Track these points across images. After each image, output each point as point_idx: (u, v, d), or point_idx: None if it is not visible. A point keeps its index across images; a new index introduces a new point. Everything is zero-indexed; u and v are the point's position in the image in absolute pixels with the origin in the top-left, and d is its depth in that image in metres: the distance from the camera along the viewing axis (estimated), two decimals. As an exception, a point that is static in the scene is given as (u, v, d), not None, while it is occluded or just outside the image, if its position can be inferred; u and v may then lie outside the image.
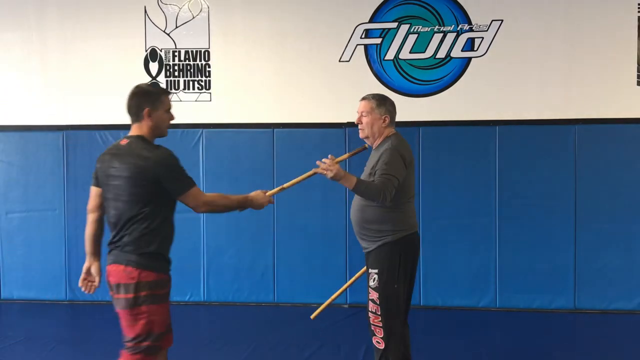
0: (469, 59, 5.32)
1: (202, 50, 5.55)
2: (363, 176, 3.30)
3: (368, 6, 5.37)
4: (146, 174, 2.70)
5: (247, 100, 5.52)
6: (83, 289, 3.02)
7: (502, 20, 5.27)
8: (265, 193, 3.09)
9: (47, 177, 5.66)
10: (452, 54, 5.33)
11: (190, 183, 2.77)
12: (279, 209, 5.44)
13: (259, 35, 5.50)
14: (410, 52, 5.36)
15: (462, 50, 5.31)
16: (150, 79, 5.57)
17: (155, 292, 2.78)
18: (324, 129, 5.44)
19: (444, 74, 5.34)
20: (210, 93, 5.55)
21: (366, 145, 3.46)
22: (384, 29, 5.37)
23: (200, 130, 5.50)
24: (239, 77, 5.52)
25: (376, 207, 3.16)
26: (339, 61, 5.41)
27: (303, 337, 4.61)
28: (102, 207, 2.96)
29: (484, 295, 5.34)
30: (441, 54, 5.34)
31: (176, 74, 5.58)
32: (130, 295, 2.76)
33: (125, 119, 5.80)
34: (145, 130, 2.83)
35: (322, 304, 5.56)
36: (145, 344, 2.77)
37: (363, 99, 3.35)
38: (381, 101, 3.30)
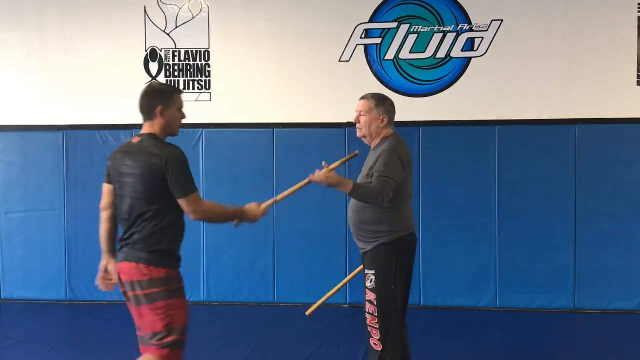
0: (469, 59, 5.32)
1: (202, 50, 5.55)
2: (361, 176, 3.29)
3: (368, 6, 5.37)
4: (156, 172, 2.73)
5: (247, 100, 5.52)
6: (101, 287, 3.01)
7: (502, 20, 5.27)
8: (259, 206, 3.08)
9: (47, 177, 5.66)
10: (452, 54, 5.33)
11: (192, 188, 2.76)
12: (279, 209, 5.43)
13: (259, 35, 5.50)
14: (410, 52, 5.36)
15: (462, 50, 5.31)
16: (150, 79, 5.57)
17: (170, 287, 2.79)
18: (324, 129, 5.44)
19: (444, 74, 5.34)
20: (210, 93, 5.55)
21: (357, 152, 3.43)
22: (384, 29, 5.37)
23: (200, 130, 5.50)
24: (239, 77, 5.52)
25: (373, 208, 3.16)
26: (339, 61, 5.41)
27: (303, 337, 4.61)
28: (114, 205, 2.95)
29: (484, 295, 5.34)
30: (441, 54, 5.34)
31: (176, 74, 5.58)
32: (146, 292, 2.76)
33: (125, 119, 5.84)
34: (157, 129, 2.87)
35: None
36: (170, 339, 2.78)
37: (362, 98, 3.34)
38: (380, 101, 3.28)
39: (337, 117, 5.37)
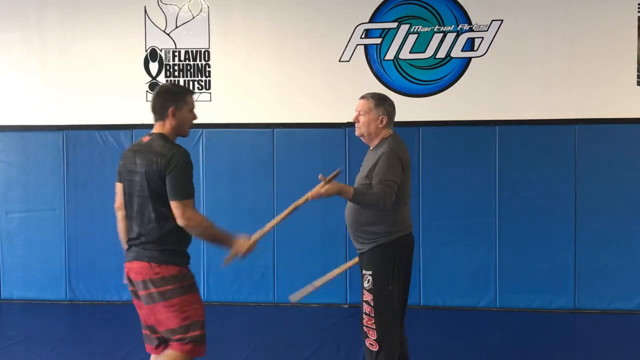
0: (469, 59, 5.32)
1: (202, 50, 5.55)
2: (359, 176, 3.26)
3: (368, 6, 5.37)
4: (159, 171, 2.75)
5: (247, 100, 5.52)
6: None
7: (502, 20, 5.27)
8: (248, 239, 3.00)
9: (47, 177, 5.66)
10: (452, 54, 5.33)
11: (186, 194, 2.75)
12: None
13: (259, 35, 5.50)
14: (410, 52, 5.36)
15: (462, 50, 5.31)
16: (150, 79, 5.57)
17: (183, 283, 2.82)
18: (324, 129, 5.44)
19: (444, 74, 5.34)
20: (210, 93, 5.55)
21: (339, 170, 3.37)
22: (384, 29, 5.37)
23: (200, 130, 5.50)
24: (239, 77, 5.52)
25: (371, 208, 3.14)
26: (339, 61, 5.41)
27: (303, 337, 4.61)
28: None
29: (484, 295, 5.34)
30: (441, 54, 5.33)
31: (176, 74, 5.58)
32: (160, 289, 2.78)
33: (125, 119, 5.85)
34: (168, 129, 2.89)
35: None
36: (191, 334, 2.81)
37: (362, 97, 3.31)
38: (380, 101, 3.25)
39: (337, 117, 5.37)
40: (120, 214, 3.00)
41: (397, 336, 3.22)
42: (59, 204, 5.64)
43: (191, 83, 5.55)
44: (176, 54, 5.57)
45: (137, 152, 2.85)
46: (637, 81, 5.20)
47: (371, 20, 5.38)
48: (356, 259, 3.43)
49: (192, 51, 5.56)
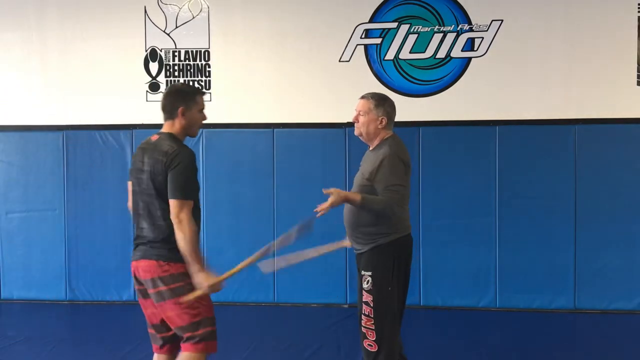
0: (469, 59, 5.32)
1: (202, 50, 5.55)
2: (359, 176, 3.25)
3: (368, 6, 5.37)
4: (163, 170, 2.75)
5: (247, 100, 5.52)
6: None
7: (502, 20, 5.27)
8: (216, 276, 2.84)
9: (47, 177, 5.66)
10: (452, 54, 5.33)
11: (185, 194, 2.74)
12: (279, 209, 5.44)
13: (259, 35, 5.50)
14: (410, 52, 5.36)
15: (462, 50, 5.31)
16: (150, 79, 5.57)
17: (192, 280, 2.81)
18: (324, 129, 5.44)
19: (444, 74, 5.34)
20: (210, 93, 5.55)
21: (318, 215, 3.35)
22: (384, 29, 5.37)
23: (201, 130, 5.46)
24: (239, 77, 5.52)
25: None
26: (339, 61, 5.41)
27: (303, 337, 4.61)
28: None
29: (484, 295, 5.34)
30: (441, 54, 5.33)
31: (176, 74, 5.58)
32: (170, 287, 2.78)
33: (125, 119, 5.84)
34: (177, 128, 2.90)
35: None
36: (201, 331, 2.82)
37: (362, 97, 3.30)
38: (380, 102, 3.23)
39: (337, 117, 5.37)
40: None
41: (396, 337, 3.22)
42: (59, 204, 5.64)
43: (191, 83, 5.54)
44: (176, 54, 5.57)
45: (145, 151, 2.87)
46: (637, 81, 5.20)
47: (371, 20, 5.38)
48: (338, 244, 3.41)
49: (192, 51, 5.56)
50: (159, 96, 5.57)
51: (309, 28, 5.44)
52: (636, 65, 5.20)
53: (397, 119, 3.37)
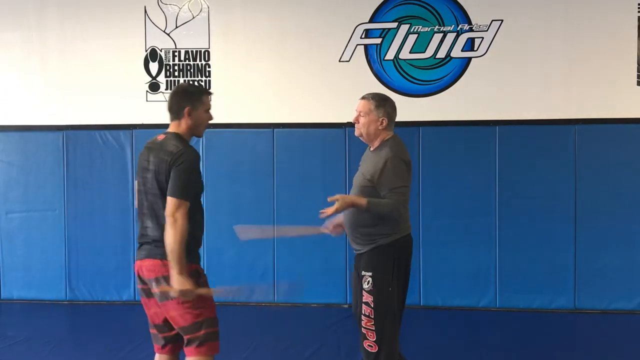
0: (469, 59, 5.32)
1: (202, 50, 5.55)
2: (359, 177, 3.24)
3: (368, 6, 5.37)
4: (167, 169, 2.75)
5: (247, 100, 5.52)
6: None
7: (502, 20, 5.27)
8: (190, 286, 2.74)
9: (47, 177, 5.66)
10: (452, 54, 5.32)
11: (184, 194, 2.72)
12: (279, 208, 5.44)
13: (259, 35, 5.50)
14: (410, 52, 5.36)
15: (462, 50, 5.31)
16: (150, 79, 5.57)
17: (197, 280, 2.82)
18: (324, 129, 5.44)
19: (444, 74, 5.34)
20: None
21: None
22: (384, 29, 5.37)
23: (201, 130, 5.49)
24: (239, 77, 5.52)
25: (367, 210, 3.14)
26: (339, 61, 5.41)
27: (303, 337, 4.61)
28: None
29: (484, 295, 5.34)
30: (441, 54, 5.33)
31: (176, 74, 5.58)
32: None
33: (125, 119, 5.84)
34: (184, 128, 2.90)
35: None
36: (203, 331, 2.81)
37: (363, 98, 3.28)
38: (380, 102, 3.22)
39: (337, 117, 5.37)
40: None
41: (397, 337, 3.22)
42: (59, 204, 5.64)
43: (191, 83, 5.54)
44: (176, 54, 5.57)
45: (151, 150, 2.87)
46: (637, 81, 5.20)
47: (371, 20, 5.38)
48: (316, 229, 3.44)
49: (192, 51, 5.56)
50: (159, 96, 5.57)
51: (309, 28, 5.44)
52: (636, 65, 5.20)
53: (397, 119, 3.36)
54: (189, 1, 5.54)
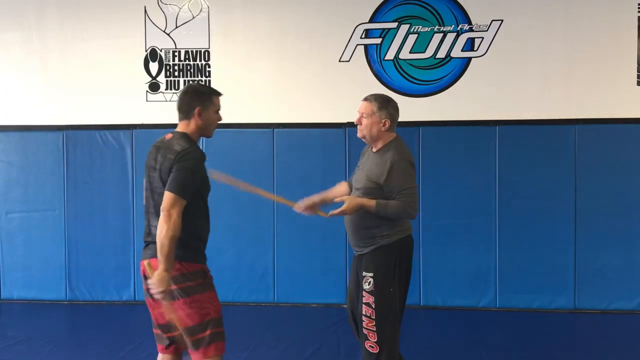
0: (469, 59, 5.32)
1: (202, 50, 5.55)
2: (362, 177, 3.24)
3: (368, 6, 5.37)
4: (171, 167, 2.74)
5: (247, 100, 5.51)
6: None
7: (502, 20, 5.27)
8: (168, 287, 2.71)
9: (47, 177, 5.66)
10: (452, 54, 5.33)
11: (181, 192, 2.70)
12: (279, 208, 5.44)
13: (259, 35, 5.50)
14: (410, 52, 5.36)
15: (462, 50, 5.31)
16: (150, 79, 5.57)
17: (204, 280, 2.82)
18: (324, 129, 5.44)
19: (444, 74, 5.34)
20: (210, 93, 5.54)
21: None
22: (384, 29, 5.37)
23: (200, 130, 5.49)
24: (239, 77, 5.52)
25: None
26: (339, 61, 5.41)
27: (303, 337, 4.61)
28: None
29: (484, 295, 5.34)
30: (441, 54, 5.33)
31: (176, 74, 5.58)
32: (181, 286, 2.77)
33: (125, 119, 5.84)
34: (193, 128, 2.89)
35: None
36: (208, 332, 2.80)
37: (365, 99, 3.27)
38: (383, 104, 3.21)
39: (337, 117, 5.37)
40: None
41: (397, 338, 3.22)
42: (59, 204, 5.64)
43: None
44: (176, 54, 5.57)
45: (159, 149, 2.86)
46: (637, 81, 5.20)
47: (371, 20, 5.38)
48: (288, 201, 3.48)
49: (192, 51, 5.56)
50: (159, 96, 5.58)
51: (309, 28, 5.44)
52: (636, 65, 5.20)
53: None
54: (189, 1, 5.54)
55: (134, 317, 5.14)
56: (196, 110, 2.87)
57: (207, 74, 5.55)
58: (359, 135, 3.29)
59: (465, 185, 5.33)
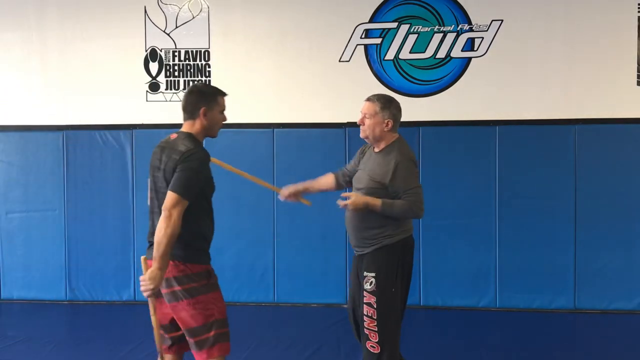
0: (469, 59, 5.32)
1: (202, 50, 5.55)
2: (365, 177, 3.24)
3: (368, 6, 5.37)
4: (175, 167, 2.74)
5: (247, 100, 5.51)
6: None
7: (502, 20, 5.27)
8: (158, 286, 2.68)
9: (47, 177, 5.66)
10: (452, 54, 5.33)
11: (184, 192, 2.69)
12: (279, 208, 5.44)
13: (259, 35, 5.50)
14: (410, 52, 5.36)
15: (462, 50, 5.31)
16: (150, 79, 5.57)
17: (209, 281, 2.82)
18: (324, 129, 5.44)
19: (444, 74, 5.34)
20: (210, 93, 5.54)
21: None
22: (384, 29, 5.37)
23: (200, 130, 5.49)
24: (239, 77, 5.52)
25: (374, 212, 3.12)
26: (339, 61, 5.41)
27: (303, 337, 4.61)
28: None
29: (484, 295, 5.34)
30: (441, 54, 5.34)
31: (176, 74, 5.58)
32: (185, 287, 2.76)
33: (125, 119, 5.84)
34: (198, 128, 2.90)
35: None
36: (213, 332, 2.79)
37: (368, 99, 3.28)
38: (386, 104, 3.22)
39: (337, 117, 5.37)
40: None
41: (398, 338, 3.22)
42: (59, 204, 5.64)
43: (191, 83, 5.54)
44: (176, 54, 5.57)
45: (164, 150, 2.86)
46: (637, 81, 5.20)
47: (371, 20, 5.38)
48: (273, 186, 3.52)
49: (192, 51, 5.56)
50: (159, 96, 5.58)
51: (309, 28, 5.44)
52: (636, 65, 5.20)
53: (396, 119, 3.37)
54: (189, 1, 5.54)
55: (134, 317, 5.14)
56: (201, 111, 2.88)
57: (207, 74, 5.55)
58: (361, 135, 3.29)
59: (465, 185, 5.33)
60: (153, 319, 2.79)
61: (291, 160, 5.44)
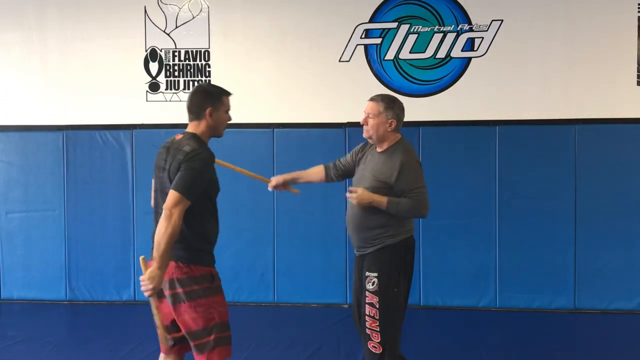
0: (469, 59, 5.32)
1: (202, 50, 5.55)
2: (367, 177, 3.23)
3: (368, 6, 5.37)
4: (179, 167, 2.72)
5: (247, 100, 5.50)
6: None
7: (502, 20, 5.27)
8: (158, 285, 2.65)
9: (47, 177, 5.66)
10: (452, 54, 5.33)
11: (186, 192, 2.67)
12: (279, 208, 5.44)
13: (259, 35, 5.50)
14: (410, 52, 5.36)
15: (462, 50, 5.31)
16: (150, 79, 5.57)
17: (212, 284, 2.81)
18: (324, 129, 5.44)
19: (444, 74, 5.34)
20: (210, 93, 5.54)
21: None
22: (384, 29, 5.37)
23: (200, 130, 5.48)
24: (239, 77, 5.51)
25: (377, 212, 3.13)
26: (339, 61, 5.41)
27: (303, 337, 4.61)
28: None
29: (484, 295, 5.34)
30: (441, 54, 5.33)
31: (176, 74, 5.58)
32: (187, 289, 2.75)
33: (125, 119, 5.84)
34: (203, 129, 2.89)
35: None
36: (214, 336, 2.77)
37: (371, 99, 3.28)
38: (389, 104, 3.22)
39: (337, 117, 5.37)
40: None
41: (400, 338, 3.22)
42: (59, 204, 5.64)
43: (191, 83, 5.55)
44: (176, 54, 5.57)
45: (169, 150, 2.84)
46: (637, 81, 5.20)
47: (371, 20, 5.38)
48: (264, 178, 3.57)
49: (192, 51, 5.56)
50: (159, 96, 5.58)
51: (309, 28, 5.44)
52: (636, 65, 5.20)
53: (397, 119, 3.36)
54: (189, 1, 5.54)
55: (134, 317, 5.14)
56: (207, 111, 2.86)
57: (207, 74, 5.55)
58: (365, 135, 3.29)
59: (465, 185, 5.33)
60: (156, 317, 2.78)
61: (291, 160, 5.42)
